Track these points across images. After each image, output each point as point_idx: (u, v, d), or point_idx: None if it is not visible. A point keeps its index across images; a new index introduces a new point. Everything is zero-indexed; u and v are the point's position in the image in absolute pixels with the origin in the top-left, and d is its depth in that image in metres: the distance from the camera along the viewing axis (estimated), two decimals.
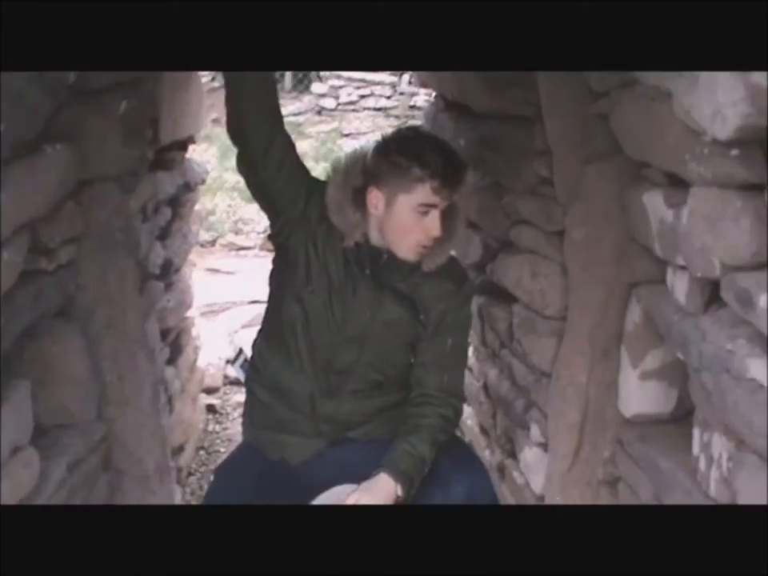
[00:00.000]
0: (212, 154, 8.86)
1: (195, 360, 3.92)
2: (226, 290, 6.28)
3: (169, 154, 3.03)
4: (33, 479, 1.81)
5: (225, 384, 4.59)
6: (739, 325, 1.43)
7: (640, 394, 2.13)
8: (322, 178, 2.22)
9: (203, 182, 3.73)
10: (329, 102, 11.71)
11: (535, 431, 2.62)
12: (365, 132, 10.77)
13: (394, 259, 2.15)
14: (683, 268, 1.66)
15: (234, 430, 4.00)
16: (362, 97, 11.63)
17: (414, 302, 2.19)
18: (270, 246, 2.40)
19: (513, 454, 2.91)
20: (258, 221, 7.89)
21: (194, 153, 6.80)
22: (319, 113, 11.72)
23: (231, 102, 2.08)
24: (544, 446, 2.54)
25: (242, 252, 7.91)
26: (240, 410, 2.46)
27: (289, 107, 10.91)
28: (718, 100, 1.30)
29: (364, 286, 2.16)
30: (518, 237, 2.64)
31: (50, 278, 2.00)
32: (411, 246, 2.11)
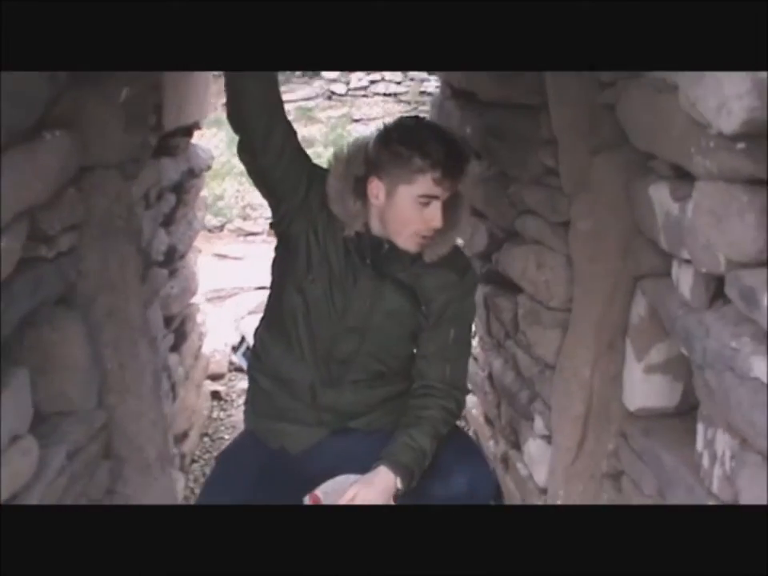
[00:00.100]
0: (220, 139, 8.85)
1: (200, 347, 3.91)
2: (234, 275, 6.27)
3: (173, 140, 3.01)
4: (32, 467, 1.81)
5: (230, 370, 4.57)
6: (744, 322, 1.41)
7: (644, 388, 2.11)
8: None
9: (209, 168, 3.70)
10: (339, 87, 11.63)
11: (539, 423, 2.60)
12: (375, 117, 10.70)
13: (395, 249, 2.13)
14: (688, 262, 1.63)
15: (238, 416, 3.97)
16: (373, 82, 11.55)
17: (415, 293, 2.17)
18: None
19: (517, 445, 2.89)
20: (267, 206, 7.85)
21: (203, 138, 6.83)
22: (329, 98, 11.66)
23: (231, 89, 2.06)
24: (548, 439, 2.52)
25: (250, 237, 7.89)
26: (245, 397, 2.46)
27: (299, 92, 10.88)
28: (723, 93, 1.27)
29: (364, 275, 2.14)
30: (524, 227, 2.62)
31: (50, 266, 1.99)
32: (411, 236, 2.09)
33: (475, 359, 3.47)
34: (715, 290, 1.56)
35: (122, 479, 2.34)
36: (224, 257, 7.10)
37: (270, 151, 2.07)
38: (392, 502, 2.07)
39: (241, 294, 5.87)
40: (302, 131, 9.72)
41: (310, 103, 11.23)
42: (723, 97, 1.28)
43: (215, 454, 3.51)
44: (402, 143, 2.05)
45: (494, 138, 2.77)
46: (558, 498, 2.36)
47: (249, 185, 8.26)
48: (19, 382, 1.81)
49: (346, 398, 2.23)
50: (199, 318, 3.86)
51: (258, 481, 2.14)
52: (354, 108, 11.33)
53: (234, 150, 2.20)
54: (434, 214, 2.05)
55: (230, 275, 6.24)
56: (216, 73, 2.73)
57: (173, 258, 3.18)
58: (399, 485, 2.04)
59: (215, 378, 4.40)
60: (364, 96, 11.57)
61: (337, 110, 11.29)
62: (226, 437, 3.80)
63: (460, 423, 3.43)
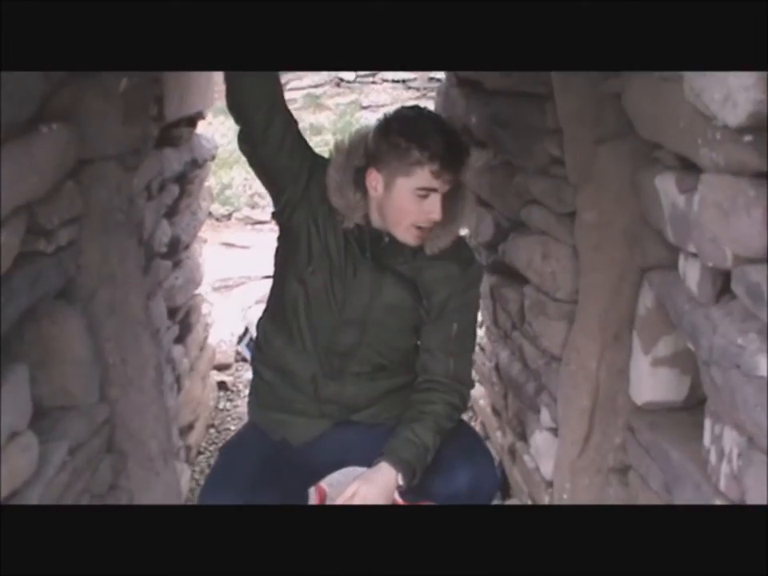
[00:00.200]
0: (228, 128, 8.80)
1: (205, 337, 3.90)
2: (241, 264, 6.24)
3: (176, 130, 2.99)
4: (32, 464, 1.79)
5: (237, 361, 4.55)
6: (750, 319, 1.37)
7: (652, 381, 2.08)
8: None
9: (213, 158, 3.68)
10: (348, 74, 11.58)
11: (546, 415, 2.58)
12: (383, 104, 10.64)
13: (396, 242, 2.11)
14: (695, 256, 1.60)
15: (245, 407, 3.91)
16: None
17: (416, 286, 2.15)
18: None
19: (524, 437, 2.87)
20: None
21: (210, 126, 6.80)
22: (338, 85, 11.60)
23: (230, 80, 2.04)
24: (554, 431, 2.50)
25: (257, 226, 7.85)
26: (249, 389, 2.47)
27: (307, 79, 10.82)
28: (728, 85, 1.24)
29: (364, 267, 2.12)
30: (529, 217, 2.58)
31: (50, 260, 1.98)
32: (409, 229, 2.06)
33: (482, 349, 3.46)
34: (722, 284, 1.52)
35: (125, 474, 2.33)
36: (231, 246, 7.08)
37: (270, 142, 2.06)
38: (394, 498, 2.06)
39: (248, 283, 5.85)
40: (311, 118, 9.69)
41: (319, 90, 11.19)
42: (728, 89, 1.24)
43: (221, 445, 3.51)
44: (401, 134, 2.02)
45: (500, 127, 2.74)
46: (565, 491, 2.34)
47: None
48: (17, 378, 1.80)
49: (347, 391, 2.22)
50: (204, 309, 3.84)
51: (260, 474, 2.13)
52: (363, 95, 11.27)
53: None
54: (433, 207, 2.02)
55: (237, 264, 6.22)
56: None
57: (177, 249, 3.16)
58: (401, 481, 2.02)
59: (221, 368, 4.38)
60: (373, 83, 11.51)
61: (345, 97, 11.24)
62: (233, 428, 3.78)
63: (467, 413, 3.44)
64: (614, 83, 1.93)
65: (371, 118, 8.53)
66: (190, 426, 3.36)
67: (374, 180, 2.06)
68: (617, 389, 2.19)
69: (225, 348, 4.49)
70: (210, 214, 4.95)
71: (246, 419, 2.67)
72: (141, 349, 2.30)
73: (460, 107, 3.13)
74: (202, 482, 3.13)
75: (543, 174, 2.44)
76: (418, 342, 2.26)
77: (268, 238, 7.03)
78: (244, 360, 4.47)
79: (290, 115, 2.12)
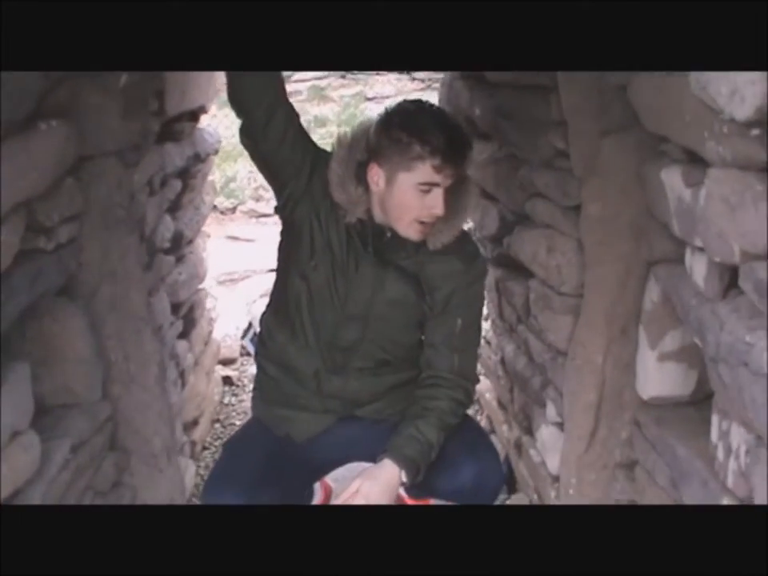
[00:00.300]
0: (232, 120, 8.75)
1: (210, 332, 3.88)
2: (246, 257, 6.22)
3: (178, 125, 2.97)
4: (34, 463, 1.79)
5: (242, 355, 4.53)
6: (758, 315, 1.35)
7: (658, 376, 2.06)
8: None
9: (216, 152, 3.66)
10: None
11: (551, 410, 2.56)
12: (388, 96, 10.60)
13: (398, 237, 2.09)
14: (701, 250, 1.57)
15: (250, 402, 3.95)
16: None
17: (419, 281, 2.13)
18: None
19: (530, 431, 2.86)
20: None
21: (215, 119, 6.77)
22: (343, 76, 11.53)
23: (230, 75, 2.03)
24: (560, 426, 2.48)
25: (262, 219, 7.82)
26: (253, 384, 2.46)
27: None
28: (735, 78, 1.22)
29: (366, 263, 2.11)
30: (534, 210, 2.56)
31: (50, 257, 1.97)
32: (411, 224, 2.04)
33: (488, 343, 3.44)
34: (729, 279, 1.50)
35: (129, 471, 2.33)
36: (236, 239, 7.05)
37: (271, 136, 2.04)
38: (398, 495, 2.04)
39: (253, 276, 5.82)
40: (315, 110, 9.65)
41: (323, 82, 11.13)
42: (735, 83, 1.22)
43: (225, 441, 3.50)
44: (402, 129, 2.00)
45: (504, 119, 2.71)
46: (571, 486, 2.33)
47: None
48: (18, 377, 1.79)
49: (351, 386, 2.21)
50: (209, 303, 3.83)
51: (264, 470, 2.13)
52: (368, 87, 11.22)
53: None
54: (436, 202, 2.00)
55: (242, 258, 6.19)
56: None
57: (180, 244, 3.14)
58: (404, 478, 2.01)
59: (227, 362, 4.36)
60: (378, 74, 11.46)
61: (350, 89, 11.18)
62: (238, 422, 3.77)
63: (473, 407, 3.42)
64: (620, 75, 1.90)
65: (376, 110, 8.51)
66: (195, 422, 3.35)
67: (376, 175, 2.04)
68: (623, 383, 2.17)
69: (230, 342, 4.47)
70: (214, 207, 4.92)
71: (251, 414, 2.66)
72: (143, 345, 2.30)
73: (464, 99, 3.11)
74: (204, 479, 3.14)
75: (548, 166, 2.41)
76: (422, 338, 2.24)
77: (273, 231, 6.98)
78: (249, 354, 4.45)
79: (292, 108, 2.10)
